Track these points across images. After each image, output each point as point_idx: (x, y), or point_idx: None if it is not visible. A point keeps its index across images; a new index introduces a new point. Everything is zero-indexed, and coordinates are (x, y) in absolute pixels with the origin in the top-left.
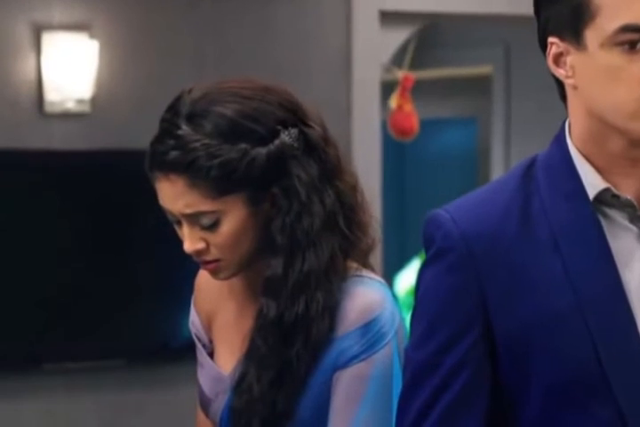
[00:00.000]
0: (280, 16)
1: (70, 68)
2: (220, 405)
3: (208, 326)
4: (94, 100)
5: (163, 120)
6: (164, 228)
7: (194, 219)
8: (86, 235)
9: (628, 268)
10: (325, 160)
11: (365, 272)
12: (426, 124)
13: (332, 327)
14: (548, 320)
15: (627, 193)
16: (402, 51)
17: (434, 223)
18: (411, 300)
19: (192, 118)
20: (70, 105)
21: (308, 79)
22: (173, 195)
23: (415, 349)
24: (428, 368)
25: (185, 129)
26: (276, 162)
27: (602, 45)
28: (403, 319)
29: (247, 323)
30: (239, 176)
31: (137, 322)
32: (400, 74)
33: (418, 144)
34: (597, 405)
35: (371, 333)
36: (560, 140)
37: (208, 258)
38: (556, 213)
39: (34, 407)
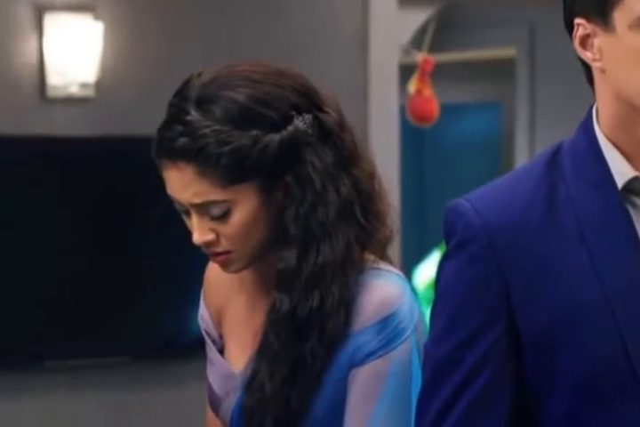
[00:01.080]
0: None
1: (74, 51)
2: (230, 404)
3: (218, 321)
4: (99, 85)
5: (170, 105)
6: (171, 219)
7: (203, 209)
8: (89, 226)
9: None
10: (341, 147)
11: (383, 265)
12: (446, 110)
13: (347, 322)
14: (574, 313)
15: None
16: (421, 32)
17: (455, 213)
18: (430, 293)
19: (201, 103)
20: (74, 89)
21: (323, 62)
22: (182, 184)
23: (435, 345)
24: (449, 365)
25: (194, 114)
26: (289, 149)
27: (630, 27)
28: (422, 314)
29: (259, 318)
30: (251, 164)
31: (143, 318)
32: (419, 56)
33: (438, 130)
34: (624, 400)
35: (388, 328)
36: (587, 126)
37: (218, 250)
38: (583, 202)
39: (35, 406)
